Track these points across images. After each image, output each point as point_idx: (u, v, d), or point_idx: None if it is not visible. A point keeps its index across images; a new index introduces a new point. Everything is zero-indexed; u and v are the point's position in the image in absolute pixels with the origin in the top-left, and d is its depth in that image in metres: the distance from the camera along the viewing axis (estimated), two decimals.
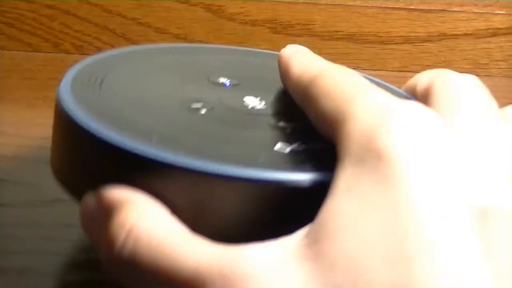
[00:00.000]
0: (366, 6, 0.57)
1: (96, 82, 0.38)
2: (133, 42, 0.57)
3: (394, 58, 0.57)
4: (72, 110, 0.34)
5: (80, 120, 0.34)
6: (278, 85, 0.41)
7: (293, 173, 0.31)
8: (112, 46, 0.57)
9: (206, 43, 0.58)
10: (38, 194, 0.42)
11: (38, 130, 0.47)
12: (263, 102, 0.38)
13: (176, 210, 0.32)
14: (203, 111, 0.36)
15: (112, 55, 0.41)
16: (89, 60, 0.40)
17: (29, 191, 0.42)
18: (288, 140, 0.34)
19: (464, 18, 0.58)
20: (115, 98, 0.36)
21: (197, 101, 0.37)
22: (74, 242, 0.38)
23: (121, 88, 0.38)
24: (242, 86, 0.40)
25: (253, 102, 0.38)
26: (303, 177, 0.31)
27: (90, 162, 0.34)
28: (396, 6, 0.57)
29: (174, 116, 0.36)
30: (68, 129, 0.35)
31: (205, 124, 0.35)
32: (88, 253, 0.37)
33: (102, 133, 0.33)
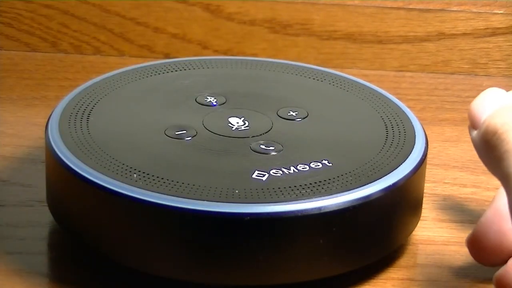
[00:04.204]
0: (365, 5, 0.57)
1: (83, 116, 0.39)
2: (131, 41, 0.57)
3: (393, 58, 0.57)
4: (58, 150, 0.36)
5: (65, 160, 0.36)
6: (263, 99, 0.43)
7: (269, 206, 0.33)
8: (111, 46, 0.57)
9: (204, 43, 0.58)
10: (36, 194, 0.41)
11: (36, 130, 0.47)
12: (247, 123, 0.39)
13: (155, 246, 0.34)
14: (186, 139, 0.38)
15: (98, 83, 0.43)
16: (77, 91, 0.42)
17: (27, 191, 0.42)
18: (267, 166, 0.36)
19: (463, 18, 0.58)
20: (100, 134, 0.38)
21: (181, 128, 0.39)
22: (72, 242, 0.38)
23: (106, 121, 0.39)
24: (229, 104, 0.42)
25: (237, 123, 0.39)
26: (279, 209, 0.33)
27: (74, 199, 0.36)
28: (394, 6, 0.57)
29: (157, 148, 0.37)
30: (55, 167, 0.37)
31: (186, 154, 0.37)
32: (87, 253, 0.37)
33: (85, 172, 0.35)
